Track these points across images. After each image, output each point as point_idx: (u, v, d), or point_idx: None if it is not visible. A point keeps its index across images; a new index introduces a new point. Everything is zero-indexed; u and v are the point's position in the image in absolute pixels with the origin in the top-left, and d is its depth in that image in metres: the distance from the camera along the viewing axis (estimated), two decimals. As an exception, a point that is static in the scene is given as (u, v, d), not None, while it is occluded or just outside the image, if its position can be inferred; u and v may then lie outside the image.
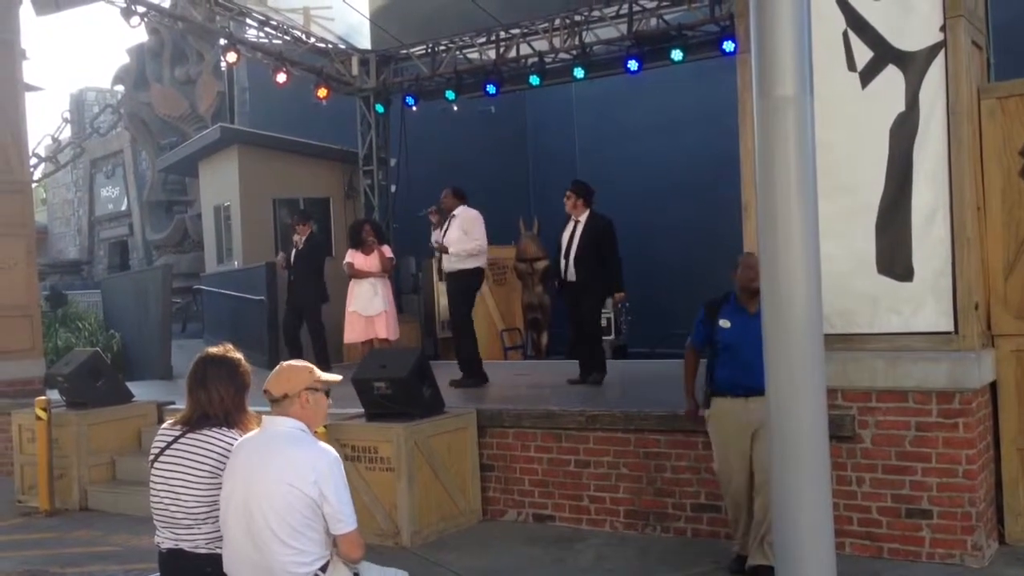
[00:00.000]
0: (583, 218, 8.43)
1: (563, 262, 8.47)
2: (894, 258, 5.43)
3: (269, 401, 3.50)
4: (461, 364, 9.12)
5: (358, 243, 10.32)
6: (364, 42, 13.92)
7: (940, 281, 5.34)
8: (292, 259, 10.96)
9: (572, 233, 8.44)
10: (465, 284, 9.08)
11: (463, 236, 8.89)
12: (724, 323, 5.30)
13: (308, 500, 3.32)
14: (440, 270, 9.71)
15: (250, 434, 3.54)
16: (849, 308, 5.46)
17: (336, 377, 3.67)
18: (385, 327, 10.19)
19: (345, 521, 3.38)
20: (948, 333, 5.33)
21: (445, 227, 9.15)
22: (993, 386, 5.63)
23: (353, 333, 10.28)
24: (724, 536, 5.96)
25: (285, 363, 3.62)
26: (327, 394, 3.58)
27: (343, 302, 10.59)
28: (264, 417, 3.53)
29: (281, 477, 3.32)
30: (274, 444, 3.41)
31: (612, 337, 13.33)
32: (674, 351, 13.22)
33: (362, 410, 6.74)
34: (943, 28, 5.31)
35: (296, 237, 11.00)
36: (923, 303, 5.38)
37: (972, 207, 5.38)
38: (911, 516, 5.40)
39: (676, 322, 15.39)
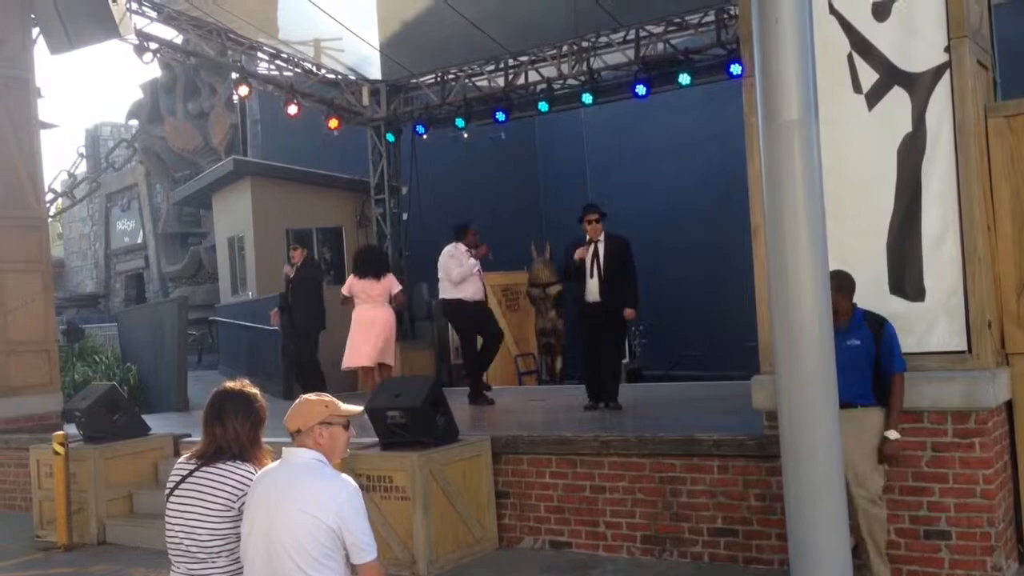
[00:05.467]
0: (601, 238, 8.42)
1: (589, 284, 8.37)
2: (905, 278, 5.43)
3: (291, 435, 3.53)
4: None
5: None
6: (374, 72, 14.05)
7: (952, 301, 5.33)
8: (288, 286, 10.92)
9: (596, 255, 8.37)
10: None
11: None
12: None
13: (328, 530, 3.33)
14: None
15: (270, 466, 3.56)
16: (861, 329, 5.45)
17: (356, 409, 3.65)
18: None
19: (367, 551, 3.40)
20: (962, 352, 5.32)
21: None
22: (1009, 405, 5.60)
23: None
24: (742, 561, 5.94)
25: (303, 397, 3.64)
26: (346, 426, 3.59)
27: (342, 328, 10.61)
28: (284, 448, 3.55)
29: (302, 507, 3.34)
30: (294, 475, 3.43)
31: (626, 360, 13.31)
32: (688, 373, 13.28)
33: (376, 439, 6.76)
34: (947, 49, 5.33)
35: (287, 267, 10.95)
36: (936, 323, 5.37)
37: (982, 226, 5.38)
38: (929, 537, 5.36)
39: (689, 344, 15.43)
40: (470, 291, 9.48)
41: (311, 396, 3.64)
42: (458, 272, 9.43)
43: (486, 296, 9.78)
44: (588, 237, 8.41)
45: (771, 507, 5.80)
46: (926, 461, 5.36)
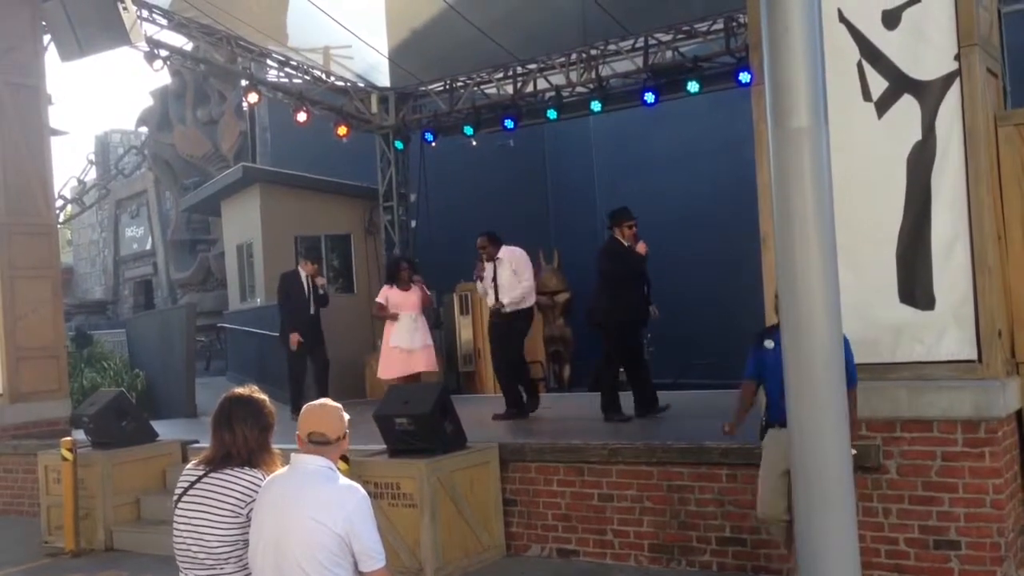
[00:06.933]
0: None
1: (646, 290, 8.53)
2: (915, 287, 5.41)
3: (316, 443, 3.50)
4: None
5: (395, 279, 10.19)
6: (383, 80, 14.09)
7: (962, 309, 5.31)
8: (312, 298, 10.86)
9: (644, 264, 8.46)
10: (524, 324, 9.34)
11: (514, 278, 9.05)
12: (768, 343, 5.10)
13: (337, 537, 3.33)
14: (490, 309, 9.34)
15: (279, 472, 3.56)
16: (871, 337, 5.43)
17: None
18: (426, 361, 10.05)
19: (376, 558, 3.40)
20: (972, 361, 5.29)
21: (492, 271, 9.14)
22: (1019, 414, 5.58)
23: (392, 369, 9.97)
24: (751, 569, 5.91)
25: (328, 404, 3.64)
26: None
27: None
28: (293, 455, 3.55)
29: (311, 514, 3.34)
30: (304, 482, 3.43)
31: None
32: (696, 382, 13.23)
33: (384, 446, 6.76)
34: (957, 57, 5.32)
35: (320, 279, 10.90)
36: (946, 331, 5.35)
37: (992, 235, 5.36)
38: (939, 547, 5.33)
39: (698, 352, 15.37)
40: (491, 301, 9.24)
41: (329, 403, 3.65)
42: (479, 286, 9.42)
43: (498, 301, 9.08)
44: (627, 243, 8.40)
45: (780, 516, 5.77)
46: (935, 471, 5.34)
